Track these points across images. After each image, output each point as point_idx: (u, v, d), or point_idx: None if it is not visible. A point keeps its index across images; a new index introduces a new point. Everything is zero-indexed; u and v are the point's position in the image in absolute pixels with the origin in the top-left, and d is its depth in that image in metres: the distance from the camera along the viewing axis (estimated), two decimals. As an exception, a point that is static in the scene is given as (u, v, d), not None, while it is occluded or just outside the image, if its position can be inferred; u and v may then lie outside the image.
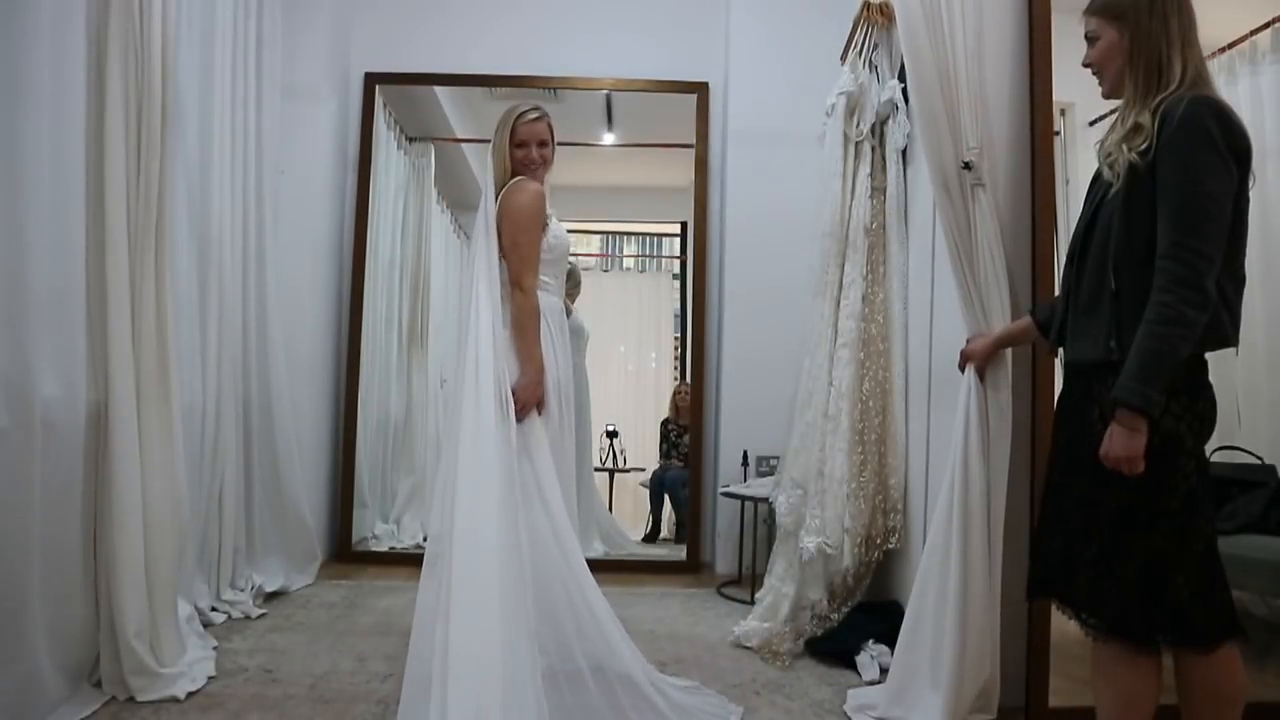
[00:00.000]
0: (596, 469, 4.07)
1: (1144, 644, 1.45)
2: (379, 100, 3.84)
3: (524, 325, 2.13)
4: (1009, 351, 2.04)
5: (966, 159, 2.04)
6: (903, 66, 2.74)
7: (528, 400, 2.09)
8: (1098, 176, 1.56)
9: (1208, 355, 1.47)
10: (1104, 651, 1.50)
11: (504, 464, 1.94)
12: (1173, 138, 1.38)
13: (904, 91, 2.69)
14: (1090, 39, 1.57)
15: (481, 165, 2.35)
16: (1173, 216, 1.37)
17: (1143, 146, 1.42)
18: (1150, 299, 1.37)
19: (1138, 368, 1.36)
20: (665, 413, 4.21)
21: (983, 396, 2.02)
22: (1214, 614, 1.43)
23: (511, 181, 2.22)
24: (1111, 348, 1.44)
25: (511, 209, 2.17)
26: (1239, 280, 1.45)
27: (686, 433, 3.92)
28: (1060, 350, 1.65)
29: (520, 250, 2.15)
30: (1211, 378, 1.47)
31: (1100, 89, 1.60)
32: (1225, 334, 1.43)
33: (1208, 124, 1.37)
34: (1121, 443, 1.37)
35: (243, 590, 2.82)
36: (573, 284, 3.67)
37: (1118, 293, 1.44)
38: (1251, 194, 1.46)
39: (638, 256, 4.63)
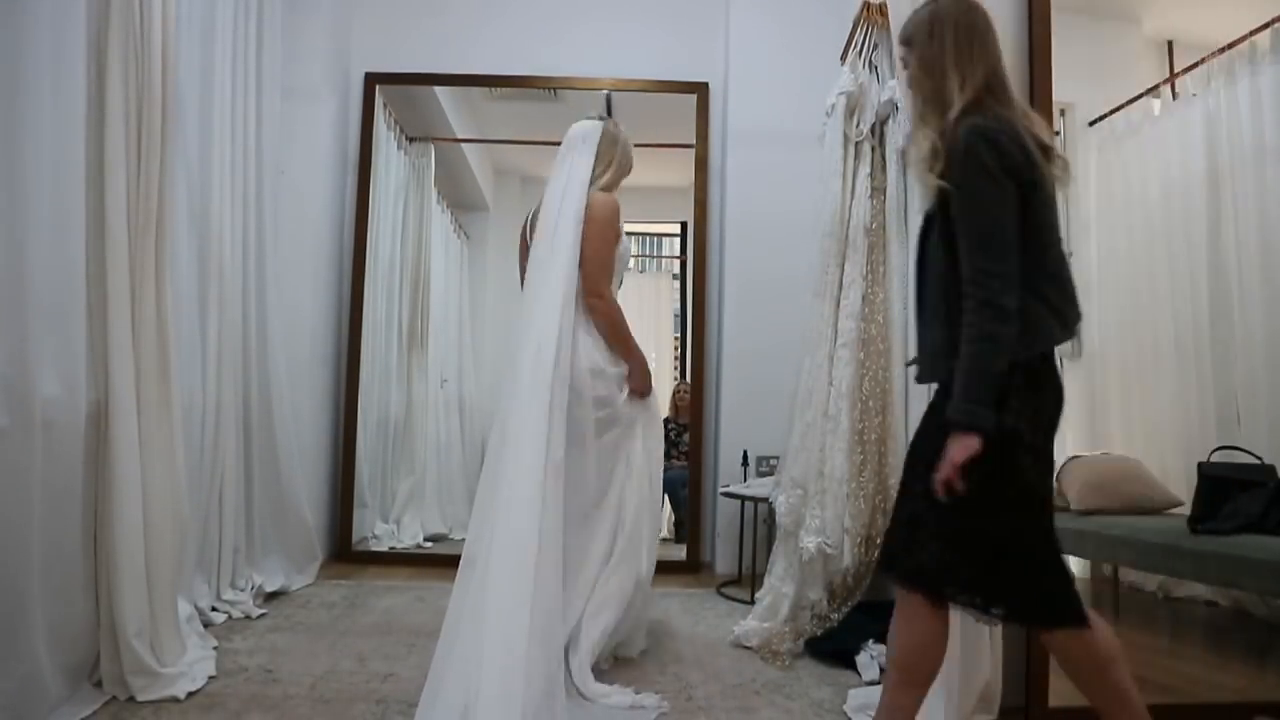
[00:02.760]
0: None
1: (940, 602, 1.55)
2: (379, 100, 3.84)
3: (620, 327, 2.29)
4: None
5: None
6: (903, 66, 2.75)
7: (643, 390, 2.34)
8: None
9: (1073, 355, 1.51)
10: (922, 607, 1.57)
11: (552, 467, 1.99)
12: (954, 170, 1.49)
13: (904, 91, 2.69)
14: (904, 65, 1.68)
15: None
16: (965, 244, 1.48)
17: (941, 169, 1.52)
18: (964, 334, 1.47)
19: (962, 388, 1.46)
20: (665, 412, 4.21)
21: None
22: (1050, 598, 1.51)
23: (592, 191, 2.29)
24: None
25: (599, 218, 2.25)
26: (1060, 281, 1.52)
27: (686, 432, 3.92)
28: None
29: (601, 259, 2.24)
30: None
31: None
32: (1051, 334, 1.50)
33: (978, 151, 1.46)
34: (949, 459, 1.46)
35: (243, 590, 2.81)
36: None
37: (952, 328, 1.52)
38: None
39: (638, 256, 4.64)
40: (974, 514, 1.50)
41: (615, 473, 2.30)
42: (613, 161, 2.38)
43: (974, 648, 1.94)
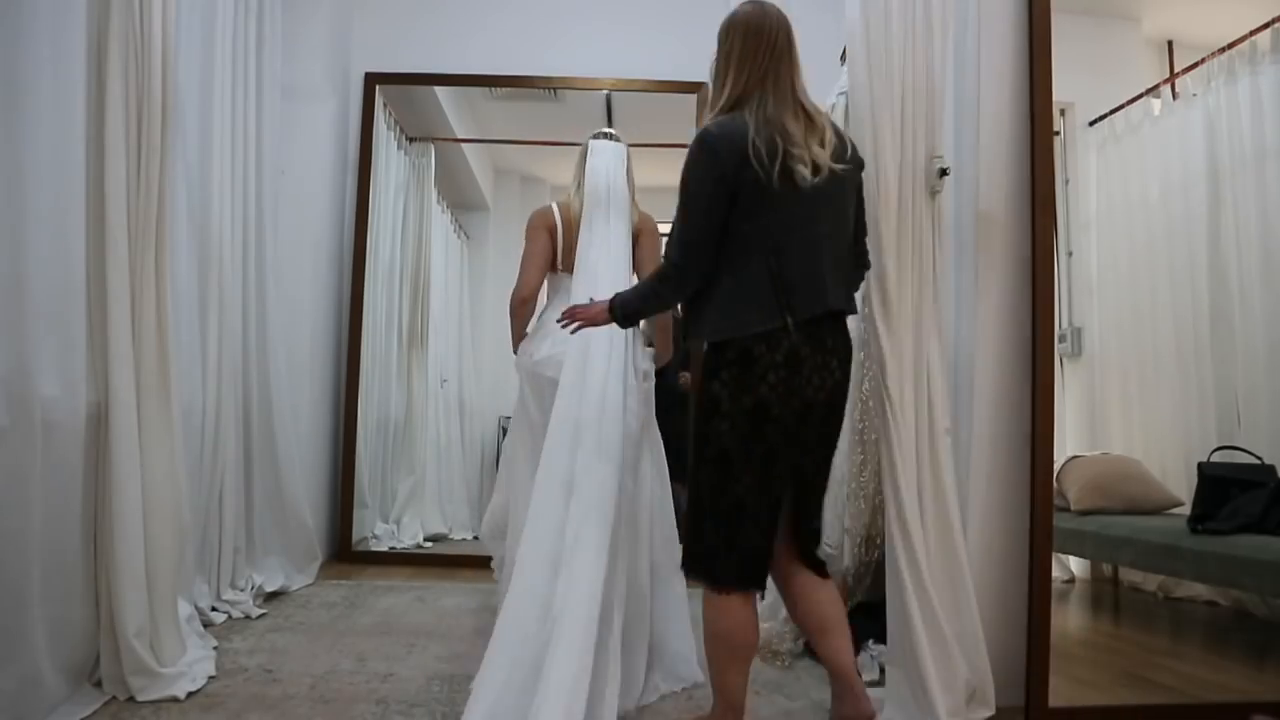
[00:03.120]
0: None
1: (721, 585, 1.70)
2: (379, 100, 3.84)
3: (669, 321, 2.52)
4: (939, 336, 2.08)
5: (943, 166, 2.06)
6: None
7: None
8: None
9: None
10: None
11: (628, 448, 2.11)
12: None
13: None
14: None
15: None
16: (672, 230, 1.75)
17: None
18: (652, 274, 1.82)
19: (628, 293, 1.88)
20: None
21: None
22: (733, 563, 1.68)
23: (634, 214, 2.45)
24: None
25: (658, 230, 2.45)
26: (780, 274, 1.66)
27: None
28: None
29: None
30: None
31: None
32: (749, 323, 1.66)
33: (692, 152, 1.71)
34: (589, 312, 1.93)
35: (243, 590, 2.82)
36: None
37: (693, 301, 1.78)
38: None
39: (638, 256, 4.63)
40: (689, 471, 1.75)
41: (642, 470, 2.32)
42: (634, 180, 2.52)
43: (946, 648, 1.93)
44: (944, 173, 2.07)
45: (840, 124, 2.77)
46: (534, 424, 2.36)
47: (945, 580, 1.99)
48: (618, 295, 1.89)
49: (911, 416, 2.03)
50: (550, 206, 2.47)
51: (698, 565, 1.73)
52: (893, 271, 2.04)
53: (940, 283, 2.08)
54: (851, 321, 2.63)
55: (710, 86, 1.81)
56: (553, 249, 2.44)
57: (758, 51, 1.73)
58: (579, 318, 1.95)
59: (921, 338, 2.04)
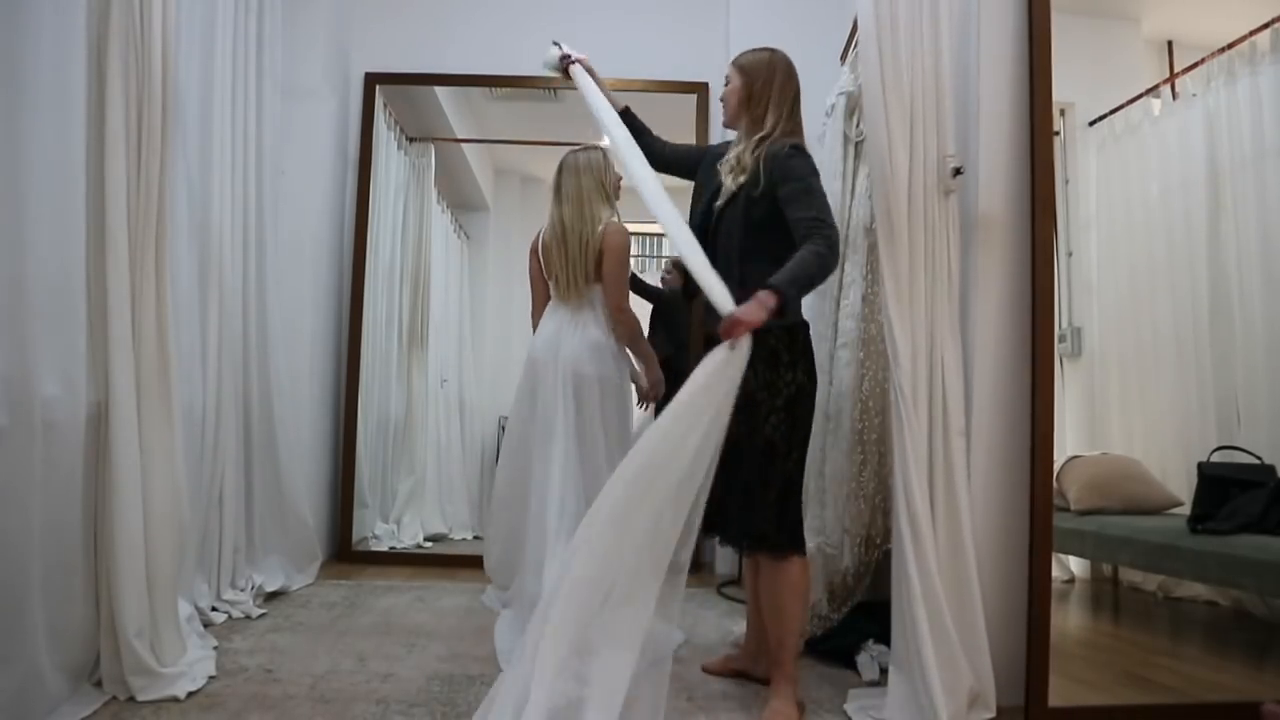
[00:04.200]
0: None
1: (786, 551, 1.99)
2: (379, 100, 3.84)
3: (636, 337, 2.63)
4: (958, 336, 2.10)
5: (957, 166, 2.06)
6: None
7: (658, 392, 2.71)
8: (711, 175, 2.19)
9: None
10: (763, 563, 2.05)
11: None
12: (788, 167, 1.99)
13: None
14: (727, 80, 2.21)
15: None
16: (810, 208, 1.95)
17: (743, 179, 2.05)
18: (807, 248, 1.90)
19: (796, 274, 1.88)
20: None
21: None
22: (796, 527, 2.02)
23: (608, 219, 2.55)
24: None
25: (618, 248, 2.54)
26: None
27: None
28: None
29: (621, 283, 2.57)
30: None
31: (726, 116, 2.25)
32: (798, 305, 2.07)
33: (806, 156, 2.04)
34: (751, 312, 1.80)
35: (243, 590, 2.82)
36: None
37: (743, 282, 1.91)
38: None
39: (638, 256, 4.63)
40: (777, 457, 1.96)
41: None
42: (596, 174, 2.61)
43: (951, 651, 1.93)
44: (958, 172, 2.06)
45: (840, 123, 2.79)
46: (522, 411, 2.62)
47: (953, 583, 1.99)
48: (777, 284, 1.82)
49: (925, 416, 2.03)
50: (539, 232, 2.67)
51: (793, 540, 2.00)
52: (906, 270, 2.04)
53: (955, 283, 2.08)
54: (852, 320, 2.66)
55: (746, 107, 2.15)
56: (540, 270, 2.66)
57: (794, 95, 2.15)
58: (741, 325, 1.78)
59: (937, 337, 2.04)
